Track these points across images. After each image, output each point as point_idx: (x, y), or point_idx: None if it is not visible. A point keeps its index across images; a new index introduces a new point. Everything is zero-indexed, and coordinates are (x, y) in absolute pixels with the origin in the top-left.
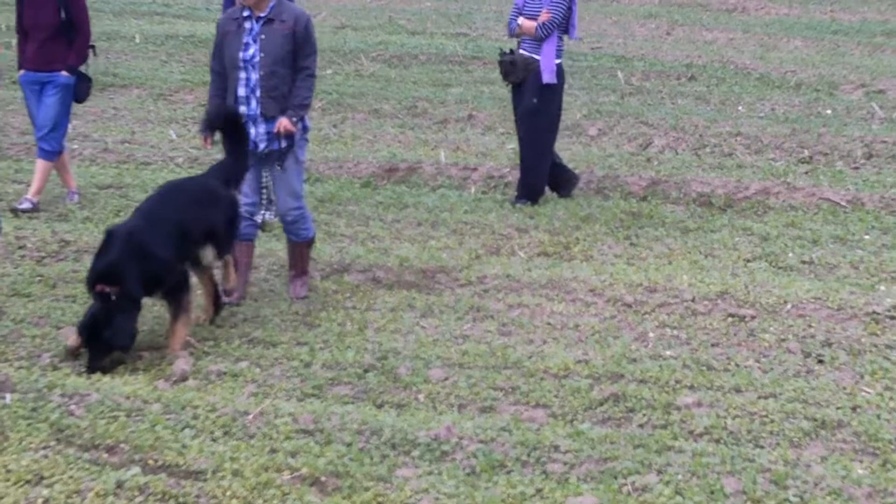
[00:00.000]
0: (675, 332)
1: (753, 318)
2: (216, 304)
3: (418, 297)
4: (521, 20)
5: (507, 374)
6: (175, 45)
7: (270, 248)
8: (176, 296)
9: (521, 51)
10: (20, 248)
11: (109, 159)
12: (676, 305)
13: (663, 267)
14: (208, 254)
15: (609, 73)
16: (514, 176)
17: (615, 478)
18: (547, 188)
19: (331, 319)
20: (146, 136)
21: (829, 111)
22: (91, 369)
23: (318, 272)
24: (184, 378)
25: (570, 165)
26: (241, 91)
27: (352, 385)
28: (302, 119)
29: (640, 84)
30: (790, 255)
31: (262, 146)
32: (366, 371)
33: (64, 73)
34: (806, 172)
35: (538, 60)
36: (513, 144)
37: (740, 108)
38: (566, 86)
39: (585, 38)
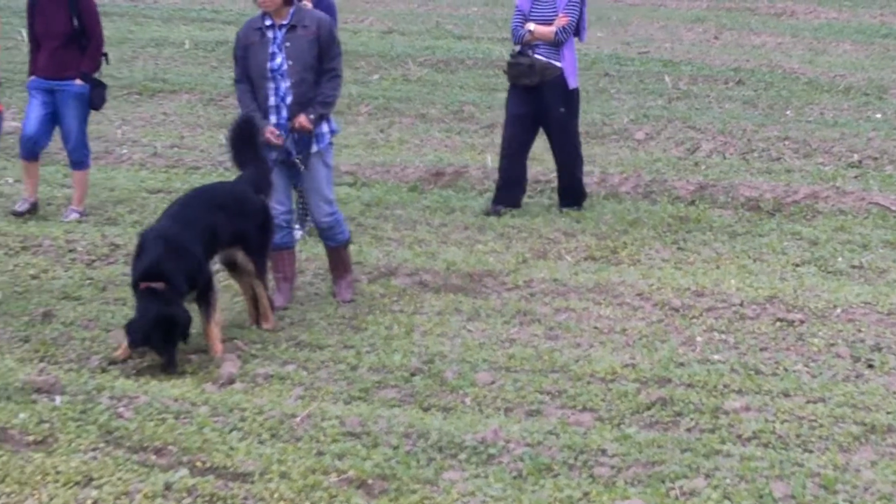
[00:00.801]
0: (723, 336)
1: (802, 322)
2: (258, 308)
3: (465, 301)
4: (532, 26)
5: (554, 377)
6: (225, 50)
7: (316, 253)
8: (206, 296)
9: (537, 56)
10: (70, 251)
11: (159, 164)
12: (724, 310)
13: (711, 271)
14: (240, 258)
15: (656, 78)
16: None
17: (663, 482)
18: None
19: (377, 323)
20: (195, 140)
21: (878, 115)
22: (169, 366)
23: (364, 276)
24: (231, 381)
25: (618, 170)
26: (272, 101)
27: (398, 388)
28: (325, 119)
29: (687, 88)
30: (839, 259)
31: (293, 153)
32: (412, 374)
33: (77, 81)
34: (855, 177)
35: (559, 67)
36: None
37: (788, 112)
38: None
39: (633, 43)
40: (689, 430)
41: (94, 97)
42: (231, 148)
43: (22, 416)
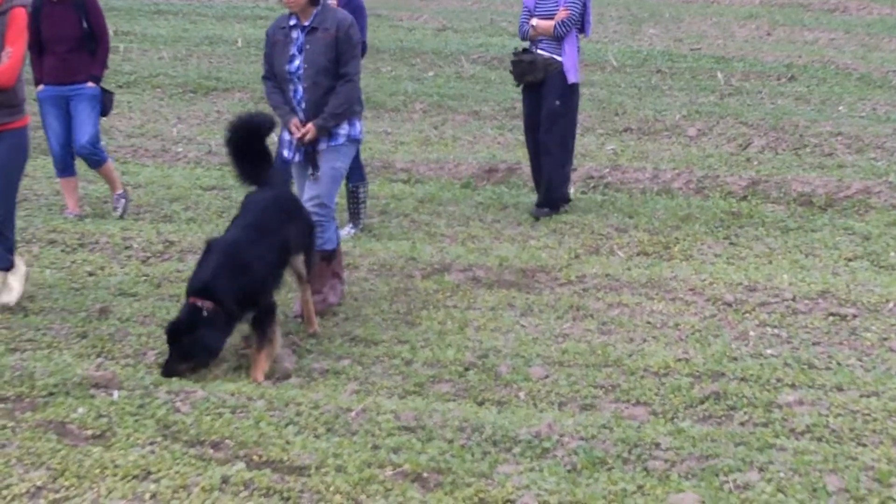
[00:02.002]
0: (776, 330)
1: (855, 316)
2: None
3: (518, 297)
4: (535, 21)
5: (608, 372)
6: None
7: (370, 248)
8: (263, 323)
9: (539, 51)
10: (126, 248)
11: (213, 161)
12: (777, 304)
13: (763, 266)
14: (299, 263)
15: (709, 74)
16: (615, 176)
17: (716, 475)
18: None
19: (431, 318)
20: None
21: None
22: (165, 368)
23: (418, 272)
24: (287, 376)
25: (671, 166)
26: (293, 102)
27: (453, 383)
28: (349, 123)
29: (739, 84)
30: (892, 254)
31: (298, 157)
32: (466, 369)
33: (90, 83)
34: None
35: (560, 61)
36: (612, 145)
37: (841, 108)
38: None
39: (685, 39)
40: (742, 423)
41: (105, 103)
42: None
43: (80, 410)
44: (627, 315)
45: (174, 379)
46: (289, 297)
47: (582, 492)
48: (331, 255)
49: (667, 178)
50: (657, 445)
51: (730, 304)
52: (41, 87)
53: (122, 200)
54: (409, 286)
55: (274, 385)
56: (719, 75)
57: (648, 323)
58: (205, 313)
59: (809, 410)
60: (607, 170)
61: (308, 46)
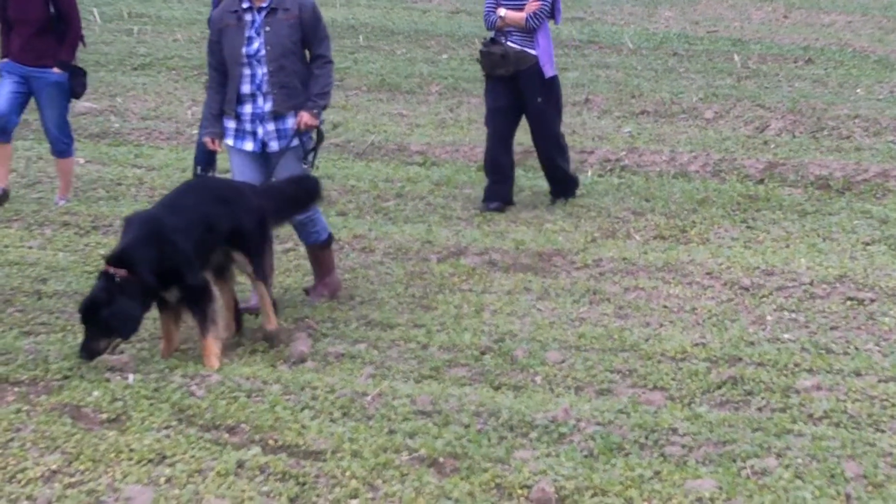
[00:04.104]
0: (794, 315)
1: (873, 301)
2: (238, 321)
3: (534, 280)
4: (503, 11)
5: (624, 356)
6: None
7: (386, 232)
8: (197, 305)
9: (509, 43)
10: None
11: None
12: (794, 289)
13: (781, 250)
14: (238, 260)
15: (725, 57)
16: (632, 159)
17: (734, 461)
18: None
19: (447, 302)
20: None
21: None
22: (83, 350)
23: (434, 255)
24: (302, 359)
25: (687, 149)
26: (246, 88)
27: (469, 367)
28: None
29: (756, 67)
30: None
31: (272, 145)
32: (483, 353)
33: (55, 69)
34: None
35: (534, 55)
36: (629, 128)
37: (859, 90)
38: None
39: (702, 22)
40: (760, 409)
41: (75, 85)
42: None
43: (95, 394)
44: (644, 299)
45: (189, 362)
46: (305, 279)
47: (599, 477)
48: (325, 244)
49: (683, 161)
50: (674, 431)
51: (747, 289)
52: (5, 59)
53: (63, 202)
54: (425, 270)
55: (289, 369)
56: (736, 58)
57: (665, 307)
58: (117, 279)
59: (827, 396)
60: (624, 153)
61: (268, 28)
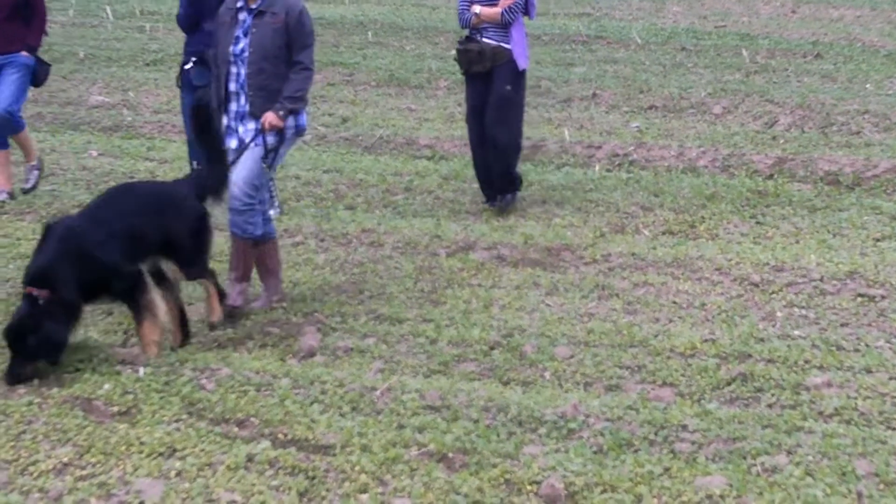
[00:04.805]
0: (804, 311)
1: (884, 297)
2: (184, 330)
3: (543, 275)
4: (477, 8)
5: (633, 352)
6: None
7: (395, 226)
8: (131, 298)
9: (485, 40)
10: None
11: None
12: (804, 285)
13: (791, 246)
14: (169, 269)
15: (733, 52)
16: (640, 154)
17: (744, 458)
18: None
19: (456, 297)
20: None
21: None
22: (7, 376)
23: (443, 249)
24: (312, 354)
25: (696, 144)
26: (232, 86)
27: (477, 362)
28: (295, 114)
29: (765, 62)
30: None
31: (236, 143)
32: (491, 348)
33: (24, 52)
34: None
35: (509, 49)
36: (637, 122)
37: (868, 85)
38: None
39: (710, 16)
40: (770, 406)
41: (39, 74)
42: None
43: (106, 387)
44: (653, 295)
45: (199, 356)
46: (315, 273)
47: (608, 473)
48: (257, 242)
49: (692, 157)
50: (684, 427)
51: (756, 285)
52: None
53: (35, 172)
54: (434, 264)
55: (299, 363)
56: (744, 53)
57: (674, 303)
58: (40, 301)
59: (838, 393)
60: (632, 147)
61: (254, 30)
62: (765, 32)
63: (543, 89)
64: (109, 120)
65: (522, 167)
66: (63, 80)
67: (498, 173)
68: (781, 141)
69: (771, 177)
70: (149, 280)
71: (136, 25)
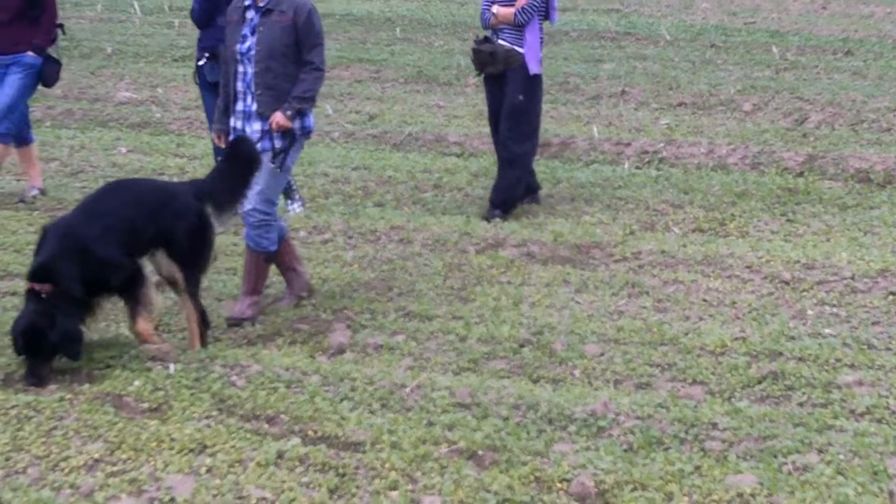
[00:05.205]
0: (835, 309)
1: None
2: (202, 330)
3: (573, 273)
4: (495, 8)
5: (664, 350)
6: (331, 23)
7: (424, 223)
8: (129, 291)
9: (500, 41)
10: None
11: None
12: (836, 283)
13: (821, 244)
14: (163, 265)
15: (763, 49)
16: (670, 151)
17: (775, 456)
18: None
19: (485, 294)
20: None
21: None
22: (29, 377)
23: (472, 247)
24: (341, 350)
25: (726, 141)
26: (239, 86)
27: (507, 360)
28: (302, 115)
29: (795, 59)
30: None
31: (257, 145)
32: (521, 346)
33: (30, 52)
34: None
35: (521, 53)
36: (666, 119)
37: None
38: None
39: (739, 13)
40: (801, 404)
41: (48, 73)
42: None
43: (137, 383)
44: (683, 292)
45: (229, 353)
46: (344, 269)
47: (639, 472)
48: (271, 257)
49: (722, 154)
50: (714, 425)
51: (787, 283)
52: None
53: (36, 191)
54: (463, 261)
55: (328, 360)
56: (774, 49)
57: (704, 301)
58: (43, 296)
59: (869, 391)
60: (662, 144)
61: (262, 28)
62: (795, 29)
63: (572, 86)
64: (137, 116)
65: (550, 164)
66: (91, 75)
67: (501, 186)
68: (812, 138)
69: (801, 174)
70: (146, 274)
71: (164, 21)
